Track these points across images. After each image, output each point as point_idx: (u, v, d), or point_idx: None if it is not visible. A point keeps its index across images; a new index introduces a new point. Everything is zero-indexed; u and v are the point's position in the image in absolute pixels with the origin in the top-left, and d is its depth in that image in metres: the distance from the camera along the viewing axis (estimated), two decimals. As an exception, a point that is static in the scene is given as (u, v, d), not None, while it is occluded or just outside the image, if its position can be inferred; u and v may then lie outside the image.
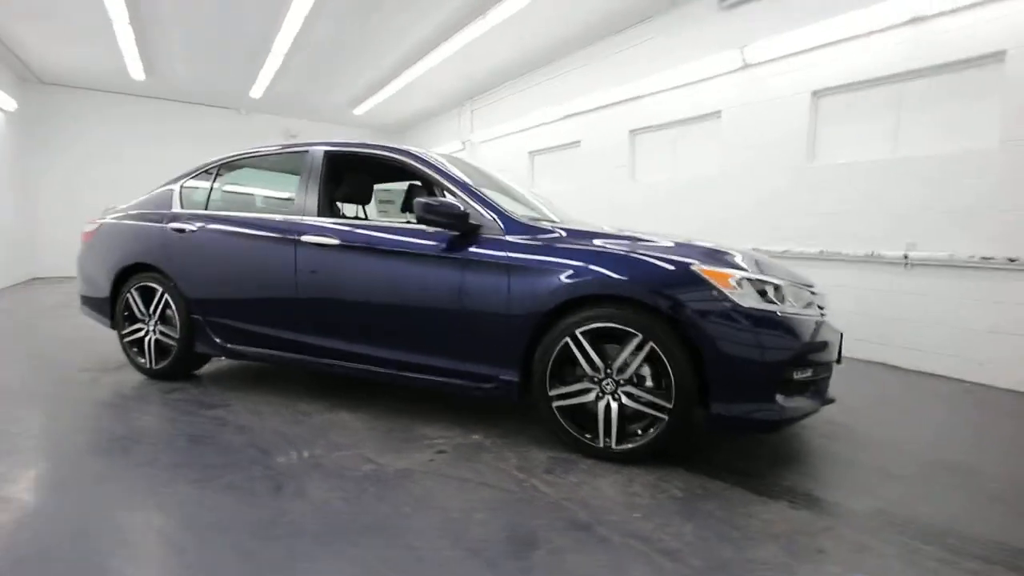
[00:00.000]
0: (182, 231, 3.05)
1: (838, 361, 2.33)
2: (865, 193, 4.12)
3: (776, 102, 4.67)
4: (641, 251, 2.15)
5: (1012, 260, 3.36)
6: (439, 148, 8.29)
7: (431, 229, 2.44)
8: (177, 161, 7.62)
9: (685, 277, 2.04)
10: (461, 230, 2.38)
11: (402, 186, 3.66)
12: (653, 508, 1.80)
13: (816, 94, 4.41)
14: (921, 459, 2.34)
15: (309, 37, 6.36)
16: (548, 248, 2.26)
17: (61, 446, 2.30)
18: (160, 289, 3.09)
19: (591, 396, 2.15)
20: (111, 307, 3.30)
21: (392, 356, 2.52)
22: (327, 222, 2.71)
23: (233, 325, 2.91)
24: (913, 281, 3.87)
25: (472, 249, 2.35)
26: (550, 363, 2.19)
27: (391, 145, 2.87)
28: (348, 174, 3.05)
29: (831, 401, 2.29)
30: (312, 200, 2.79)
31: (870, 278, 4.10)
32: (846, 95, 4.26)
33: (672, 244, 2.25)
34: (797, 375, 2.07)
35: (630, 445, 2.12)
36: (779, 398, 2.02)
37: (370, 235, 2.58)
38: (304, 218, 2.75)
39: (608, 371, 2.12)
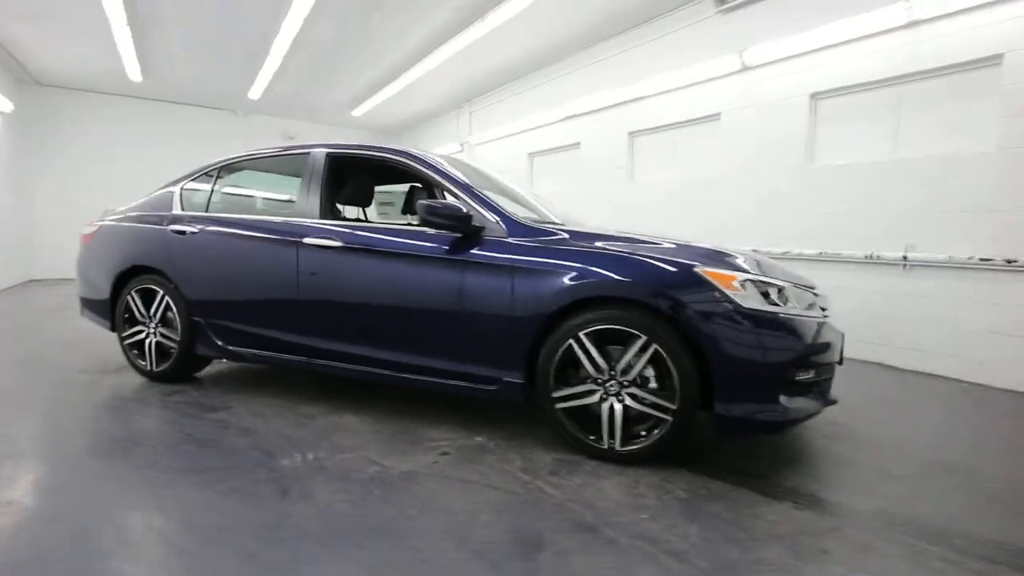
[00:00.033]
0: (183, 233, 3.05)
1: (840, 362, 2.35)
2: (864, 195, 4.14)
3: (775, 104, 4.69)
4: (645, 253, 2.16)
5: (1011, 261, 3.39)
6: (437, 149, 8.29)
7: (433, 231, 2.45)
8: (174, 163, 7.61)
9: (689, 279, 2.04)
10: (464, 232, 2.39)
11: (402, 188, 3.66)
12: (659, 509, 1.81)
13: (815, 96, 4.43)
14: (922, 459, 2.35)
15: (308, 38, 6.36)
16: (551, 250, 2.27)
17: (61, 448, 2.29)
18: (161, 291, 3.08)
19: (595, 398, 2.16)
20: (111, 309, 3.29)
21: (396, 358, 2.52)
22: (329, 224, 2.71)
23: (235, 327, 2.90)
24: (912, 282, 3.89)
25: (475, 251, 2.35)
26: (554, 365, 2.19)
27: (393, 147, 2.87)
28: (349, 176, 3.05)
29: (833, 402, 2.30)
30: (314, 202, 2.79)
31: (869, 279, 4.12)
32: (845, 97, 4.29)
33: (674, 246, 2.25)
34: (800, 376, 2.08)
35: (634, 446, 2.12)
36: (782, 399, 2.03)
37: (373, 237, 2.58)
38: (306, 220, 2.75)
39: (612, 373, 2.12)
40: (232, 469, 2.04)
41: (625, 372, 2.11)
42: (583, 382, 2.18)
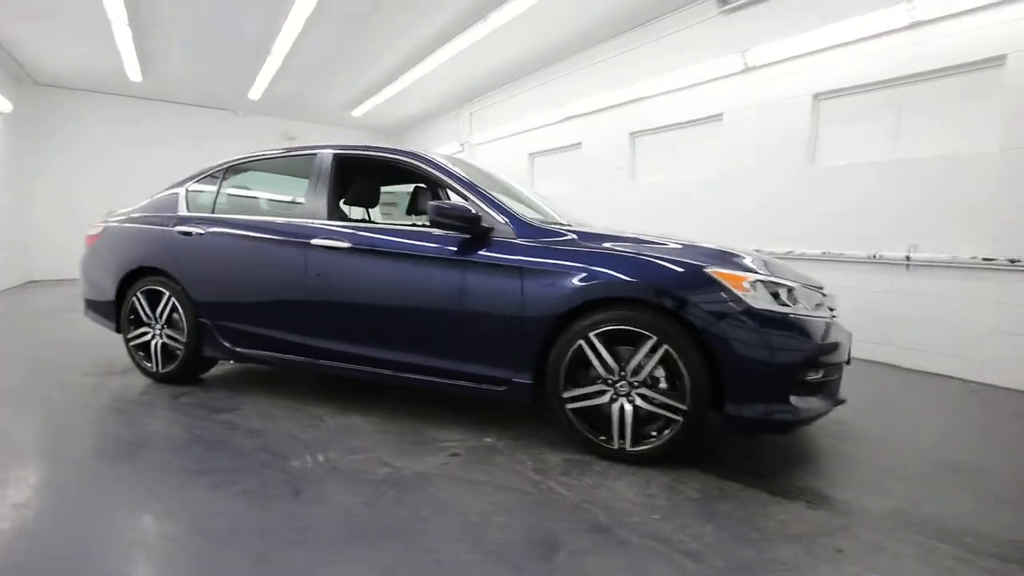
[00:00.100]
0: (189, 234, 3.04)
1: (847, 362, 2.36)
2: (867, 195, 4.16)
3: (777, 105, 4.70)
4: (654, 254, 2.17)
5: (1013, 261, 3.41)
6: (438, 149, 8.28)
7: (441, 232, 2.45)
8: (174, 163, 7.60)
9: (700, 280, 2.05)
10: (473, 233, 2.39)
11: (405, 189, 3.66)
12: (671, 509, 1.82)
13: (817, 97, 4.45)
14: (929, 458, 2.37)
15: (310, 38, 6.35)
16: (560, 251, 2.27)
17: (70, 451, 2.28)
18: (167, 293, 3.08)
19: (605, 398, 2.16)
20: (116, 311, 3.28)
21: (405, 359, 2.52)
22: (337, 225, 2.71)
23: (242, 329, 2.90)
24: (915, 282, 3.91)
25: (484, 252, 2.36)
26: (564, 365, 2.20)
27: (400, 148, 2.87)
28: (356, 177, 3.05)
29: (842, 401, 2.32)
30: (321, 203, 2.79)
31: (872, 279, 4.14)
32: (847, 98, 4.31)
33: (682, 246, 2.26)
34: (810, 376, 2.09)
35: (645, 447, 2.13)
36: (793, 399, 2.04)
37: (382, 238, 2.59)
38: (314, 221, 2.75)
39: (622, 373, 2.13)
40: (243, 471, 2.04)
41: (635, 373, 2.11)
42: (593, 383, 2.19)
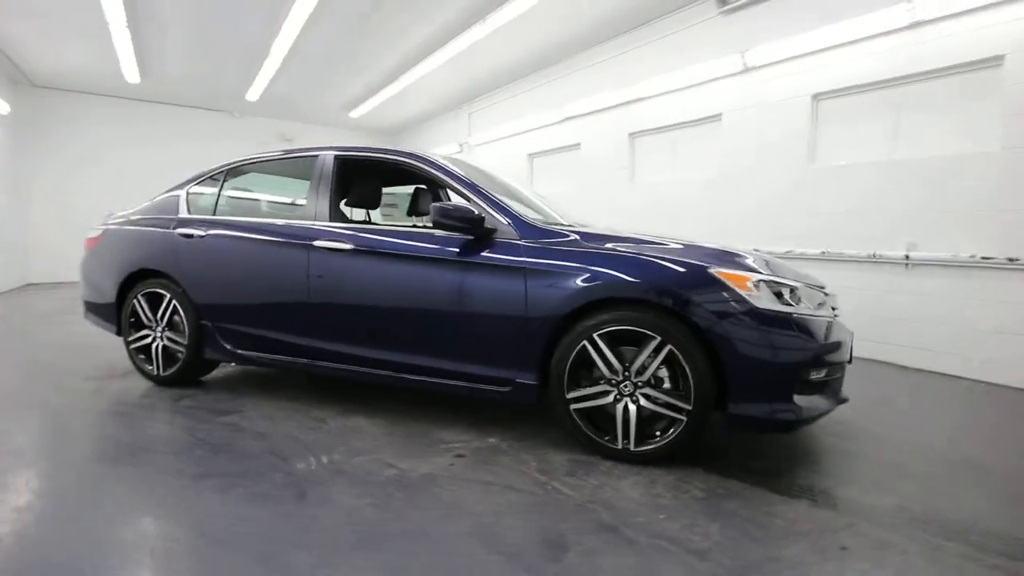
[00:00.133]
0: (191, 236, 3.03)
1: (849, 361, 2.37)
2: (866, 194, 4.18)
3: (777, 105, 4.72)
4: (657, 254, 2.17)
5: (1013, 260, 3.43)
6: (436, 150, 8.27)
7: (444, 233, 2.46)
8: (171, 164, 7.58)
9: (704, 280, 2.06)
10: (476, 234, 2.39)
11: (405, 190, 3.66)
12: (677, 508, 1.82)
13: (816, 97, 4.47)
14: (932, 456, 2.38)
15: (309, 39, 6.34)
16: (563, 252, 2.28)
17: (71, 455, 2.27)
18: (168, 295, 3.07)
19: (609, 398, 2.17)
20: (117, 313, 3.27)
21: (409, 361, 2.52)
22: (340, 227, 2.71)
23: (245, 331, 2.89)
24: (914, 281, 3.93)
25: (487, 253, 2.36)
26: (568, 366, 2.20)
27: (402, 149, 2.88)
28: (358, 178, 3.05)
29: (845, 400, 2.33)
30: (324, 205, 2.79)
31: (872, 278, 4.16)
32: (847, 98, 4.32)
33: (685, 247, 2.27)
34: (813, 375, 2.10)
35: (649, 446, 2.14)
36: (796, 398, 2.05)
37: (385, 240, 2.59)
38: (316, 223, 2.75)
39: (626, 373, 2.14)
40: (249, 474, 2.04)
41: (639, 373, 2.12)
42: (596, 383, 2.19)
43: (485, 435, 2.48)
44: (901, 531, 1.71)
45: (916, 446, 2.50)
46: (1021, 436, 2.76)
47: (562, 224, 2.68)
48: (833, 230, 4.37)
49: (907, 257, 3.93)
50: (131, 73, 7.70)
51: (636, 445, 2.14)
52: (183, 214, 3.18)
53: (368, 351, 2.61)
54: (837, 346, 2.21)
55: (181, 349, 3.06)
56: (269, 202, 3.44)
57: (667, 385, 2.12)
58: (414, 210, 3.54)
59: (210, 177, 3.27)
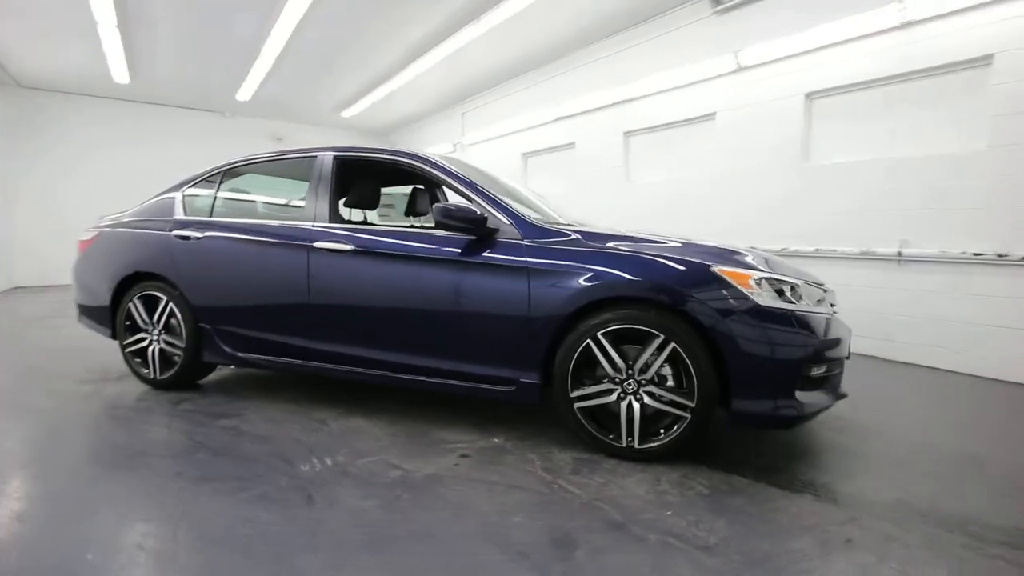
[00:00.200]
0: (188, 238, 3.00)
1: (847, 357, 2.40)
2: (859, 192, 4.23)
3: (770, 104, 4.77)
4: (659, 253, 2.19)
5: (1002, 256, 3.49)
6: (429, 150, 8.26)
7: (444, 234, 2.45)
8: (161, 165, 7.49)
9: (706, 278, 2.08)
10: (479, 234, 2.39)
11: (402, 190, 3.65)
12: (683, 505, 1.84)
13: (810, 96, 4.51)
14: (929, 450, 2.42)
15: (301, 39, 6.29)
16: (566, 251, 2.28)
17: (70, 462, 2.23)
18: (164, 298, 3.04)
19: (613, 397, 2.18)
20: (111, 317, 3.23)
21: (411, 361, 2.52)
22: (340, 228, 2.69)
23: (244, 333, 2.87)
24: (907, 277, 3.99)
25: (489, 253, 2.36)
26: (571, 365, 2.21)
27: (401, 149, 2.87)
28: (357, 179, 3.04)
29: (844, 396, 2.36)
30: (323, 206, 2.77)
31: (864, 275, 4.21)
32: (839, 97, 4.37)
33: (686, 245, 2.29)
34: (814, 372, 2.12)
35: (652, 444, 2.15)
36: (798, 394, 2.07)
37: (386, 241, 2.58)
38: (316, 224, 2.73)
39: (630, 372, 2.15)
40: (253, 478, 2.02)
41: (643, 371, 2.13)
42: (599, 382, 2.20)
43: (488, 435, 2.48)
44: (902, 524, 1.74)
45: (912, 440, 2.54)
46: (1014, 429, 2.81)
47: (562, 224, 2.69)
48: (826, 227, 4.42)
49: (899, 254, 3.98)
50: (120, 73, 7.60)
51: (640, 443, 2.15)
52: (179, 216, 3.15)
53: (371, 352, 2.59)
54: (836, 342, 2.24)
55: (178, 352, 3.03)
56: (267, 203, 3.41)
57: (670, 383, 2.14)
58: (412, 210, 3.53)
59: (206, 179, 3.24)
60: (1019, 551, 1.58)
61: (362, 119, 10.40)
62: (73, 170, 8.89)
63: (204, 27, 6.12)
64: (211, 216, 3.10)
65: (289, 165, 3.19)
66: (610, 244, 2.29)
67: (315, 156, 2.92)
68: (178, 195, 3.24)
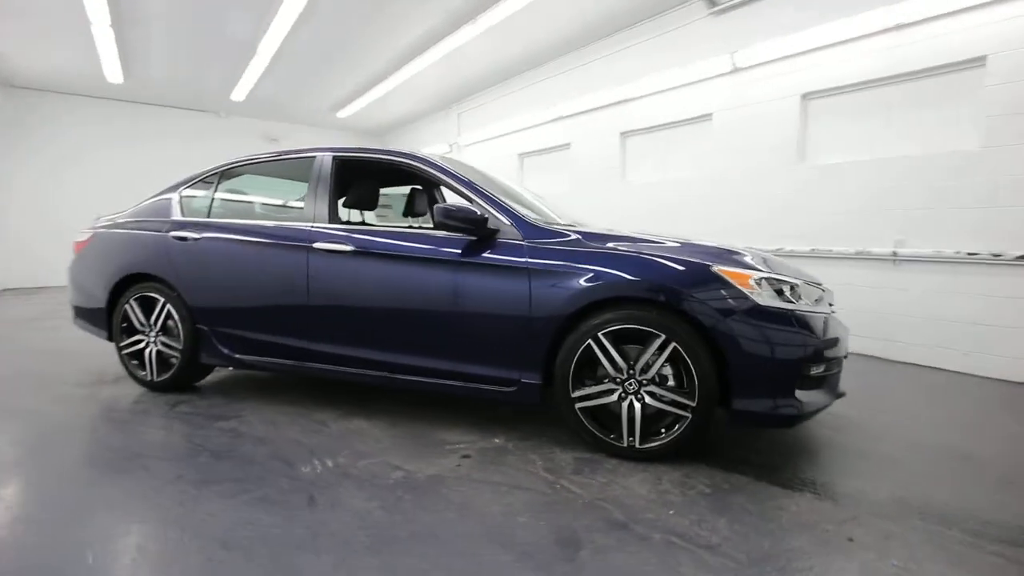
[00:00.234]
0: (185, 239, 2.99)
1: (846, 356, 2.42)
2: (854, 192, 4.26)
3: (767, 105, 4.79)
4: (660, 253, 2.20)
5: (996, 255, 3.53)
6: (425, 151, 8.25)
7: (444, 234, 2.45)
8: (155, 165, 7.44)
9: (707, 278, 2.09)
10: (479, 235, 2.39)
11: (399, 191, 3.65)
12: (685, 504, 1.84)
13: (806, 97, 4.54)
14: (926, 448, 2.44)
15: (296, 39, 6.27)
16: (566, 252, 2.29)
17: (68, 466, 2.21)
18: (162, 299, 3.02)
19: (614, 396, 2.19)
20: (108, 318, 3.21)
21: (412, 362, 2.51)
22: (339, 228, 2.69)
23: (242, 335, 2.86)
24: (904, 277, 4.02)
25: (489, 254, 2.36)
26: (572, 365, 2.21)
27: (400, 150, 2.86)
28: (355, 179, 3.03)
29: (842, 395, 2.37)
30: (323, 207, 2.76)
31: (860, 274, 4.24)
32: (835, 98, 4.41)
33: (686, 245, 2.29)
34: (813, 371, 2.13)
35: (654, 444, 2.16)
36: (798, 393, 2.08)
37: (386, 241, 2.57)
38: (315, 225, 2.72)
39: (631, 371, 2.15)
40: (254, 480, 2.01)
41: (644, 371, 2.14)
42: (600, 382, 2.21)
43: (489, 435, 2.48)
44: (902, 521, 1.75)
45: (909, 438, 2.56)
46: (1009, 427, 2.84)
47: (562, 224, 2.69)
48: (822, 227, 4.45)
49: (895, 254, 4.02)
50: (114, 73, 7.55)
51: (641, 443, 2.16)
52: (176, 216, 3.13)
53: (371, 353, 2.59)
54: (835, 341, 2.25)
55: (176, 354, 3.01)
56: (265, 204, 3.40)
57: (671, 383, 2.15)
58: (410, 211, 3.53)
59: (203, 179, 3.22)
60: (1018, 548, 1.60)
61: (357, 119, 10.37)
62: (66, 171, 8.82)
63: (198, 27, 6.08)
64: (208, 217, 3.09)
65: (287, 166, 3.18)
66: (610, 244, 2.29)
67: (314, 156, 2.91)
68: (175, 196, 3.22)
